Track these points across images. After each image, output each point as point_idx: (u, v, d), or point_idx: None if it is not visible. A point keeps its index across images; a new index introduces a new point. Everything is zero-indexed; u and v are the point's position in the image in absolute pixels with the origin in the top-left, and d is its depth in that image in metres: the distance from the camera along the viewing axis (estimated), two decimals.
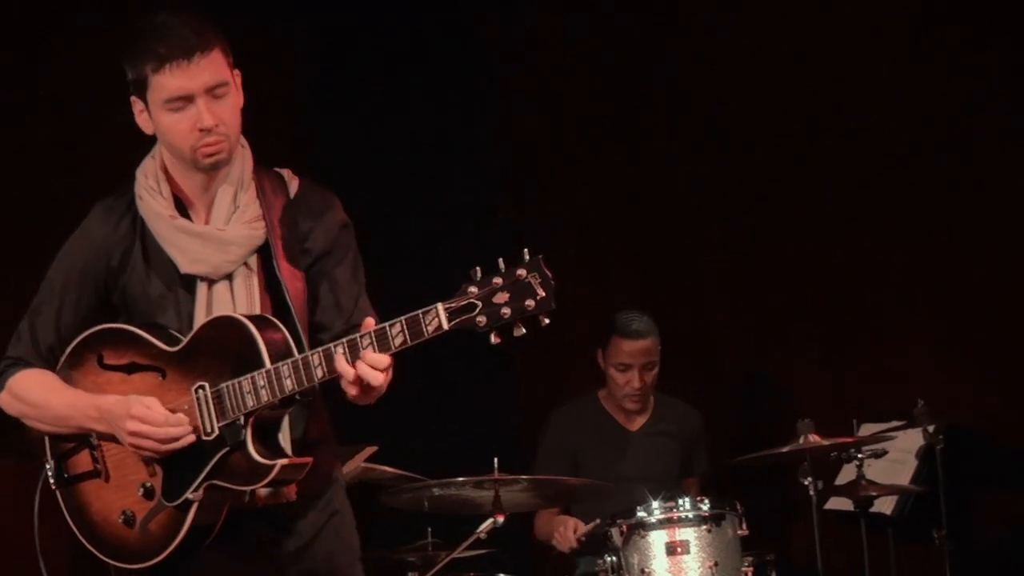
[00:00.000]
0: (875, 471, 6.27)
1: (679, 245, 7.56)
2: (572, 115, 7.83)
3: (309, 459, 3.65)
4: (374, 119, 7.52)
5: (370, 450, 5.86)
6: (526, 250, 3.34)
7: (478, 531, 5.61)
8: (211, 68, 3.64)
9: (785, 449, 5.96)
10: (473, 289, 3.34)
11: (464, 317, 3.33)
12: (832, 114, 7.08)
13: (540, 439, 6.72)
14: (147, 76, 3.66)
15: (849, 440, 6.10)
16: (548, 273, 3.32)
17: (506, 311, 3.30)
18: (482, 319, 3.32)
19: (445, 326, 3.35)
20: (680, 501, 5.73)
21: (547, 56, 7.87)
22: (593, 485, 6.07)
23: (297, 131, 7.11)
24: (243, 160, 3.79)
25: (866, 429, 6.41)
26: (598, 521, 5.95)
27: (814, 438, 5.91)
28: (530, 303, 3.31)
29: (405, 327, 3.38)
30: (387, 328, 3.41)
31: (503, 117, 7.84)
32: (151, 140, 3.85)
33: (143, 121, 3.75)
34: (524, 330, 3.34)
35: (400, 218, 7.30)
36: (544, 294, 3.30)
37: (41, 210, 6.16)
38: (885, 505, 6.50)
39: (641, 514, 5.72)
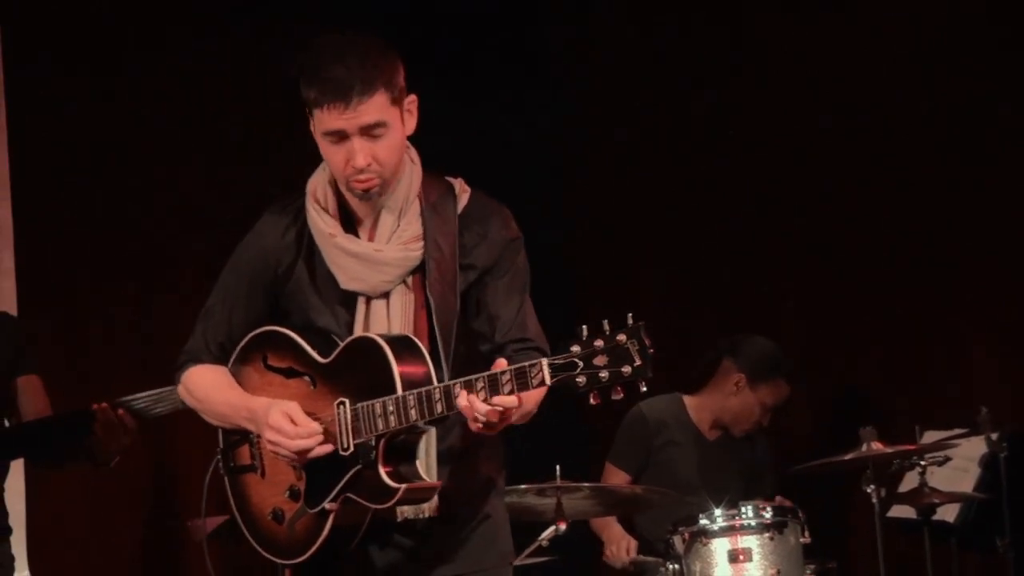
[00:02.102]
0: (938, 479, 6.24)
1: (749, 256, 7.55)
2: (649, 133, 7.87)
3: (438, 483, 3.73)
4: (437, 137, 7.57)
5: None
6: (630, 315, 3.42)
7: (540, 538, 5.64)
8: (369, 111, 3.69)
9: (848, 457, 5.94)
10: (576, 348, 3.43)
11: (565, 375, 3.43)
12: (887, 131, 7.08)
13: (621, 428, 6.63)
14: (310, 104, 3.74)
15: (912, 448, 6.08)
16: (647, 342, 3.38)
17: (604, 374, 3.39)
18: (582, 379, 3.42)
19: (548, 382, 3.45)
20: (742, 508, 5.73)
21: (620, 75, 7.92)
22: (655, 493, 6.06)
23: None
24: (410, 177, 3.85)
25: (929, 436, 6.38)
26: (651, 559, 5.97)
27: (877, 446, 5.89)
28: (627, 369, 3.38)
29: (513, 376, 3.50)
30: (498, 375, 3.52)
31: (574, 141, 7.91)
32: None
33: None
34: (623, 395, 3.42)
35: None
36: (640, 362, 3.38)
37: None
38: (948, 513, 6.47)
39: (703, 521, 5.72)
